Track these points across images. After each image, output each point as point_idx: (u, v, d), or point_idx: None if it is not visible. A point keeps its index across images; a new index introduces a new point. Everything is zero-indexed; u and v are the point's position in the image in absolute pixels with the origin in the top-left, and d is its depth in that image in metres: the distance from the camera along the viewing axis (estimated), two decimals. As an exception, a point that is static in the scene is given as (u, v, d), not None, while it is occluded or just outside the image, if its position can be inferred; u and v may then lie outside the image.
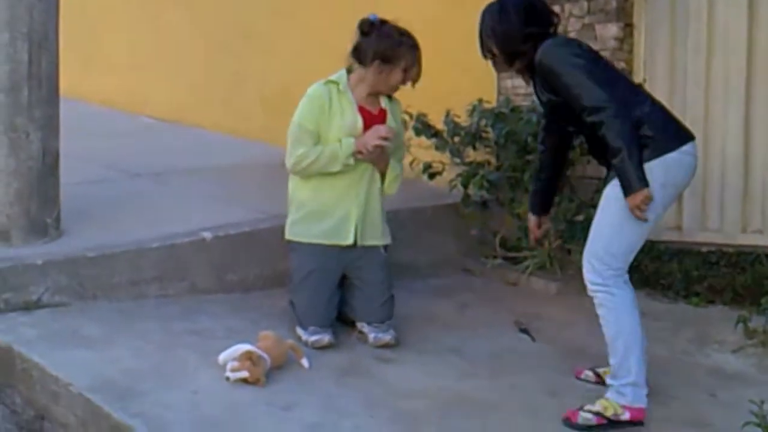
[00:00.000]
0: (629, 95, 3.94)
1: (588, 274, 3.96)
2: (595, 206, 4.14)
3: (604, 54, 5.91)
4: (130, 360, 4.24)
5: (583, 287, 4.02)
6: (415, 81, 4.91)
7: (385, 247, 4.97)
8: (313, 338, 4.58)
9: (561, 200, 5.79)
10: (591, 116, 3.82)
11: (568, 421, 3.91)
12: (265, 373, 4.11)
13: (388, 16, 7.20)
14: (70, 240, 5.18)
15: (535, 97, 4.27)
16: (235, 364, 4.07)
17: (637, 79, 5.81)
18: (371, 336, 4.68)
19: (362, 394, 4.11)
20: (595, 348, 3.98)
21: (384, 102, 4.92)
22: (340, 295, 4.86)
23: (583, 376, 4.37)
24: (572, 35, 6.08)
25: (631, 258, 3.97)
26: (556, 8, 6.05)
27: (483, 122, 6.10)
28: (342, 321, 4.85)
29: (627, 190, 3.80)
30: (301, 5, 8.15)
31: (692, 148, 3.98)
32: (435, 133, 6.16)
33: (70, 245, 5.08)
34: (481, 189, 6.01)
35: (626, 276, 3.99)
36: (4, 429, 4.03)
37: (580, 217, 5.66)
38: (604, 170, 4.16)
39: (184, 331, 4.64)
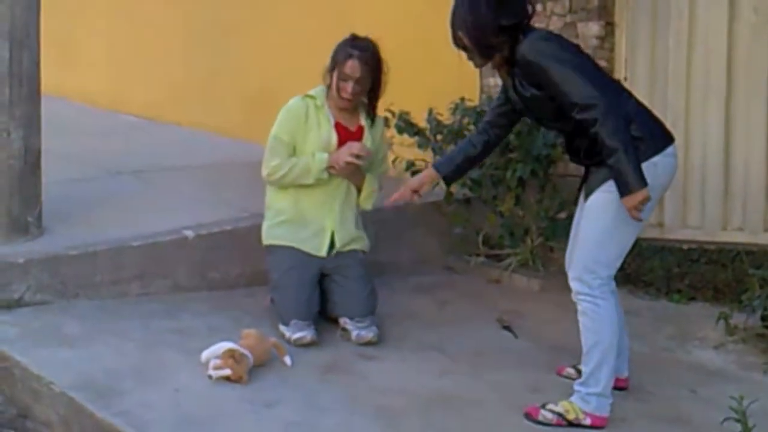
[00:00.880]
0: (615, 93, 3.90)
1: (574, 283, 3.94)
2: (577, 204, 4.16)
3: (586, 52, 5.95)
4: (112, 358, 4.23)
5: (566, 285, 4.02)
6: (374, 96, 4.96)
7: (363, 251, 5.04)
8: (296, 335, 4.59)
9: (542, 198, 5.81)
10: (582, 113, 3.75)
11: (528, 416, 3.94)
12: (248, 370, 4.11)
13: (372, 14, 7.25)
14: (51, 238, 5.16)
15: (511, 93, 4.09)
16: (218, 362, 4.07)
17: (618, 77, 5.83)
18: (354, 333, 4.69)
19: (344, 392, 4.12)
20: (577, 345, 3.99)
21: (363, 119, 4.96)
22: (320, 293, 4.88)
23: (565, 373, 4.38)
24: (554, 33, 6.10)
25: (619, 264, 3.98)
26: (539, 7, 6.11)
27: (465, 120, 6.09)
28: (325, 318, 4.85)
29: (624, 190, 3.73)
30: (282, 2, 8.14)
31: (674, 149, 3.98)
32: (417, 131, 6.16)
33: (52, 243, 5.06)
34: (463, 187, 6.01)
35: (613, 284, 3.99)
36: (-14, 428, 4.02)
37: (562, 215, 5.68)
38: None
39: (166, 329, 4.63)
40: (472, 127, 6.04)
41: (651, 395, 4.24)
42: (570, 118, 3.83)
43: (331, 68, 4.85)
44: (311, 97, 4.91)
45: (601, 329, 3.91)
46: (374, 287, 4.94)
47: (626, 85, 5.76)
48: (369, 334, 4.68)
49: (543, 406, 3.94)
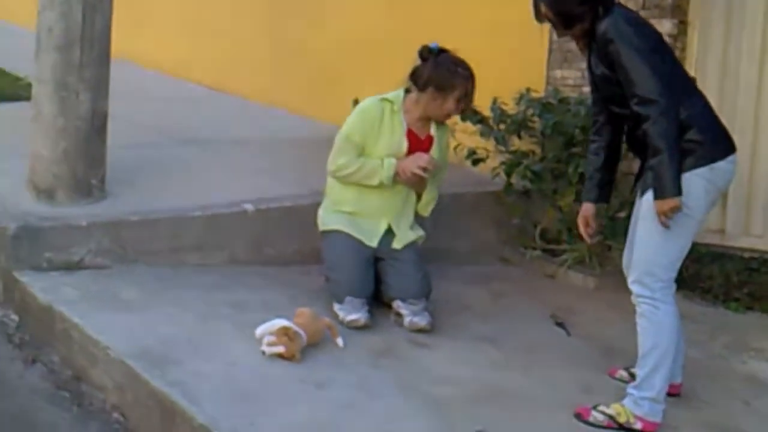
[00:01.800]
0: (683, 93, 3.86)
1: (634, 286, 3.92)
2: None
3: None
4: (168, 327, 4.28)
5: (621, 284, 4.01)
6: (464, 111, 5.06)
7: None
8: (350, 317, 4.60)
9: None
10: (639, 106, 3.75)
11: (578, 416, 3.92)
12: (301, 349, 4.14)
13: (440, 2, 7.22)
14: (113, 202, 5.23)
15: (586, 70, 4.12)
16: (272, 338, 4.09)
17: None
18: (407, 320, 4.70)
19: (395, 377, 4.13)
20: (630, 347, 3.97)
21: (433, 128, 4.98)
22: (375, 277, 4.89)
23: (617, 376, 4.36)
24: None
25: (679, 265, 3.94)
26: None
27: (530, 111, 6.06)
28: (379, 303, 4.86)
29: (658, 193, 3.74)
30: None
31: (734, 158, 3.94)
32: (481, 120, 6.14)
33: (114, 208, 5.13)
34: (524, 179, 5.98)
35: (674, 287, 3.96)
36: (41, 388, 4.07)
37: (622, 214, 5.62)
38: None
39: (222, 302, 4.67)
40: (536, 118, 6.02)
41: (703, 404, 4.21)
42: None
43: (435, 85, 4.82)
44: (389, 101, 4.92)
45: (659, 333, 3.88)
46: (428, 272, 4.94)
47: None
48: (422, 322, 4.69)
49: (594, 408, 3.92)
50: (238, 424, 3.54)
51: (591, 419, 3.89)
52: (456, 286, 5.41)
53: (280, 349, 4.07)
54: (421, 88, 4.85)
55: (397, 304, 4.78)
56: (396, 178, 4.84)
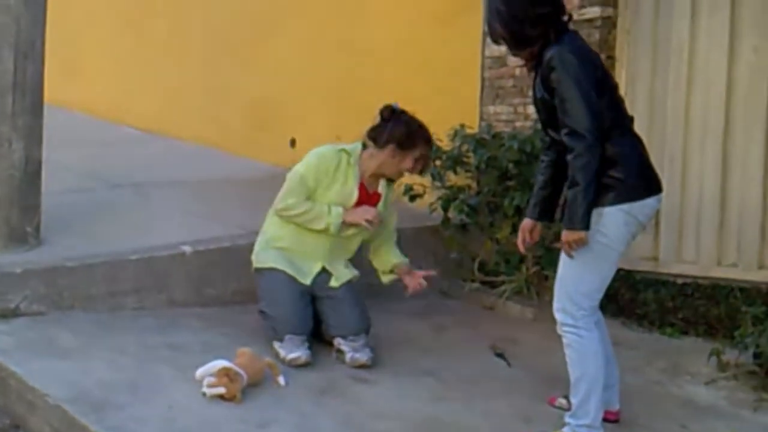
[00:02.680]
0: (615, 129, 3.93)
1: (558, 314, 3.99)
2: None
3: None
4: (107, 372, 4.24)
5: (558, 314, 4.05)
6: (422, 172, 5.16)
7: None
8: (291, 356, 4.60)
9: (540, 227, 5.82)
10: (567, 137, 3.83)
11: None
12: (242, 389, 4.12)
13: (375, 38, 7.31)
14: (49, 249, 5.18)
15: (531, 91, 4.17)
16: (212, 379, 4.08)
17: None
18: (348, 356, 4.71)
19: (338, 414, 4.13)
20: (569, 375, 4.02)
21: (382, 186, 5.06)
22: (313, 313, 4.90)
23: (557, 404, 4.40)
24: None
25: (600, 296, 4.02)
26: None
27: (464, 147, 6.14)
28: (320, 340, 4.87)
29: (567, 224, 3.84)
30: (284, 18, 8.18)
31: (657, 202, 4.03)
32: (417, 156, 6.18)
33: (50, 254, 5.08)
34: (460, 213, 6.06)
35: (597, 314, 4.04)
36: (-22, 437, 4.02)
37: (558, 245, 5.69)
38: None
39: (161, 344, 4.64)
40: (471, 154, 6.09)
41: (642, 429, 4.26)
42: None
43: (389, 141, 4.92)
44: (347, 152, 4.99)
45: (585, 361, 3.95)
46: (365, 308, 4.97)
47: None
48: (363, 357, 4.70)
49: (535, 437, 3.96)
50: (180, 467, 3.52)
51: (533, 448, 3.93)
52: (397, 321, 5.44)
53: (221, 390, 4.06)
54: (381, 146, 4.94)
55: (338, 342, 4.79)
56: (343, 225, 4.91)
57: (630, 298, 5.74)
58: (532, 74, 4.12)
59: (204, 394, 4.06)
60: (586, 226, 3.81)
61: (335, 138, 7.21)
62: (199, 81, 8.82)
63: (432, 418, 4.19)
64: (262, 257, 4.99)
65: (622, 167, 3.89)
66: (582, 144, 3.79)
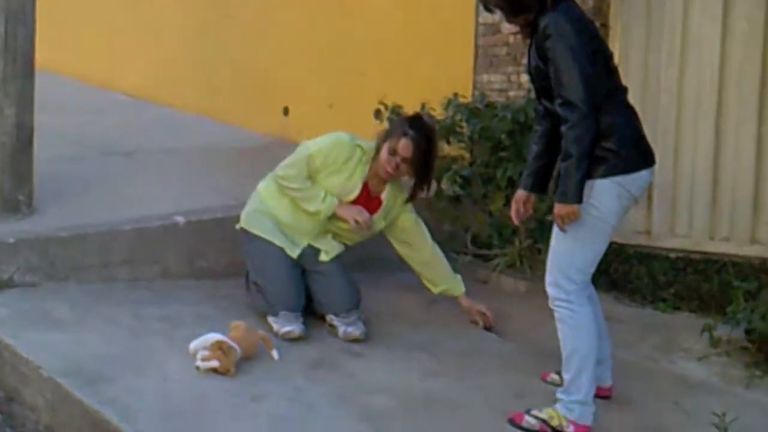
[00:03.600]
0: (609, 100, 3.91)
1: (550, 288, 3.99)
2: None
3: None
4: (100, 344, 4.24)
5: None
6: (421, 180, 4.96)
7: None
8: (285, 329, 4.60)
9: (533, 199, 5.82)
10: (561, 108, 3.81)
11: (512, 422, 3.97)
12: (236, 363, 4.13)
13: (370, 5, 7.25)
14: (42, 218, 5.17)
15: (525, 59, 4.13)
16: (206, 353, 4.08)
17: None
18: (341, 330, 4.72)
19: (330, 388, 4.14)
20: (561, 350, 4.03)
21: (386, 194, 4.99)
22: (305, 288, 4.90)
23: (549, 379, 4.41)
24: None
25: (593, 269, 4.01)
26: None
27: (458, 117, 6.11)
28: (312, 314, 4.87)
29: (560, 197, 3.83)
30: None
31: (650, 174, 4.02)
32: (410, 126, 6.16)
33: (43, 224, 5.07)
34: (453, 184, 6.04)
35: (590, 289, 4.05)
36: (-28, 410, 4.02)
37: (551, 217, 5.69)
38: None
39: (155, 317, 4.64)
40: (464, 124, 6.07)
41: (634, 405, 4.27)
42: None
43: (384, 137, 4.87)
44: (362, 149, 4.92)
45: (578, 336, 3.95)
46: (355, 281, 4.96)
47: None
48: (356, 332, 4.71)
49: (527, 412, 3.97)
50: (173, 440, 3.53)
51: (524, 424, 3.94)
52: (389, 294, 5.44)
53: (215, 363, 4.06)
54: (381, 143, 4.88)
55: (330, 318, 4.80)
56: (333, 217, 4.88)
57: (623, 272, 5.75)
58: (527, 42, 4.09)
59: (197, 368, 4.07)
60: (579, 200, 3.80)
61: (328, 107, 7.24)
62: (193, 48, 8.76)
63: (424, 393, 4.20)
64: (252, 220, 4.95)
65: (616, 139, 3.87)
66: (576, 114, 3.77)
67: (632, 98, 4.23)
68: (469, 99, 6.37)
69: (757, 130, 5.74)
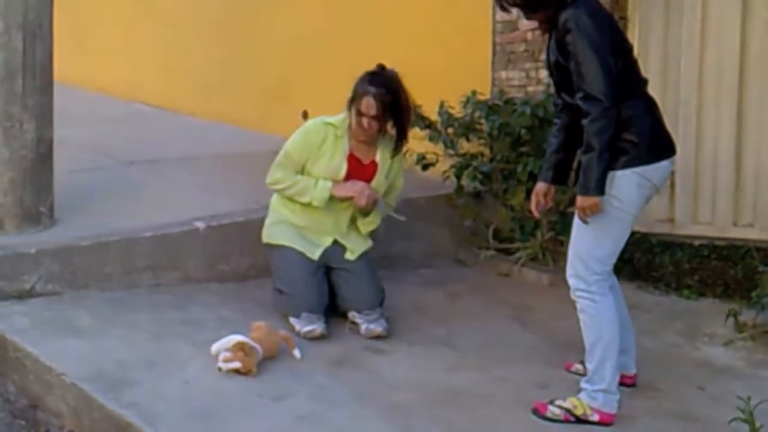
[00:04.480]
0: (629, 92, 3.90)
1: (572, 279, 3.98)
2: None
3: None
4: (123, 350, 4.25)
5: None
6: (399, 130, 4.93)
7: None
8: (306, 328, 4.61)
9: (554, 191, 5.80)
10: (583, 101, 3.81)
11: (536, 412, 3.96)
12: (257, 363, 4.13)
13: (387, 7, 7.25)
14: (63, 229, 5.19)
15: (544, 54, 4.13)
16: (228, 354, 4.09)
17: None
18: (363, 327, 4.71)
19: (353, 386, 4.13)
20: (584, 341, 4.01)
21: (379, 154, 4.97)
22: (328, 286, 4.91)
23: (573, 369, 4.39)
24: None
25: (614, 260, 4.00)
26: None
27: (477, 114, 6.11)
28: (335, 312, 4.87)
29: (582, 189, 3.83)
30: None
31: (670, 164, 4.01)
32: (429, 124, 6.17)
33: (64, 234, 5.09)
34: (474, 180, 6.04)
35: (612, 279, 4.03)
36: (-2, 418, 4.05)
37: (572, 210, 5.67)
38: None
39: (177, 320, 4.66)
40: (483, 120, 6.06)
41: (659, 392, 4.25)
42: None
43: (351, 101, 4.87)
44: (333, 125, 4.93)
45: (600, 326, 3.94)
46: (379, 279, 4.97)
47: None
48: (378, 328, 4.70)
49: (551, 402, 3.96)
50: (196, 442, 3.54)
51: (548, 414, 3.93)
52: (412, 290, 5.44)
53: (237, 364, 4.07)
54: (348, 108, 4.88)
55: (353, 314, 4.80)
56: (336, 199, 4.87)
57: (646, 261, 5.71)
58: (545, 37, 4.10)
59: (220, 369, 4.07)
60: (601, 191, 3.80)
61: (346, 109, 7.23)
62: (211, 56, 8.79)
63: (448, 387, 4.20)
64: (271, 232, 5.00)
65: (636, 130, 3.86)
66: (598, 108, 3.76)
67: (652, 88, 4.21)
68: (488, 96, 6.36)
69: (779, 116, 5.68)
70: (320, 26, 7.82)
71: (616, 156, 3.83)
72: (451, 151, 6.13)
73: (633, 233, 5.79)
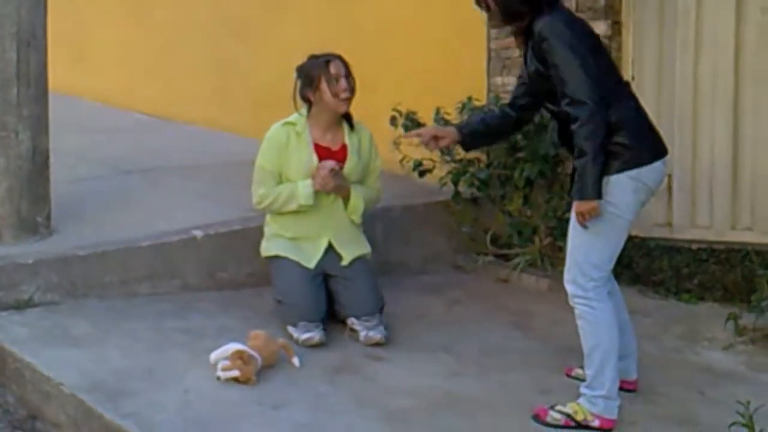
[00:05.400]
0: (614, 95, 3.90)
1: (569, 285, 3.97)
2: None
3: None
4: (121, 359, 4.25)
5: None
6: (350, 89, 4.95)
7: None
8: (304, 336, 4.60)
9: (551, 197, 5.80)
10: (569, 107, 3.80)
11: (537, 418, 3.95)
12: (256, 372, 4.13)
13: (381, 13, 7.26)
14: (61, 238, 5.19)
15: (522, 67, 4.15)
16: (226, 363, 4.08)
17: (626, 77, 5.84)
18: (362, 334, 4.70)
19: (353, 393, 4.12)
20: (582, 346, 4.00)
21: (347, 137, 4.98)
22: (327, 295, 4.90)
23: (573, 374, 4.38)
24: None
25: (612, 265, 3.99)
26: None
27: (473, 120, 6.09)
28: (333, 319, 4.86)
29: (579, 194, 3.81)
30: (293, 1, 8.14)
31: (664, 165, 4.00)
32: (425, 131, 6.15)
33: (61, 244, 5.09)
34: (471, 186, 6.03)
35: (611, 284, 4.03)
36: (-3, 429, 4.04)
37: (568, 215, 5.68)
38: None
39: (175, 329, 4.65)
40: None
41: (660, 397, 4.24)
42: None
43: (310, 85, 4.90)
44: (291, 123, 4.96)
45: (598, 332, 3.93)
46: (379, 286, 4.96)
47: (633, 85, 5.78)
48: (377, 335, 4.69)
49: (551, 408, 3.94)
50: (196, 451, 3.53)
51: (549, 419, 3.92)
52: (410, 297, 5.43)
53: (235, 373, 4.06)
54: (314, 94, 4.90)
55: (351, 321, 4.79)
56: (318, 189, 4.83)
57: (645, 266, 5.70)
58: (522, 50, 4.10)
59: (218, 378, 4.07)
60: (599, 195, 3.78)
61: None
62: (207, 64, 8.79)
63: (447, 393, 4.19)
64: (267, 246, 5.02)
65: (626, 132, 3.85)
66: (585, 111, 3.76)
67: (648, 91, 4.22)
68: (484, 102, 6.35)
69: (775, 116, 5.68)
70: (315, 33, 7.81)
71: (609, 160, 3.82)
72: (448, 158, 6.11)
73: (631, 237, 5.80)
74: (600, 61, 3.93)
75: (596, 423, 3.89)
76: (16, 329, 4.47)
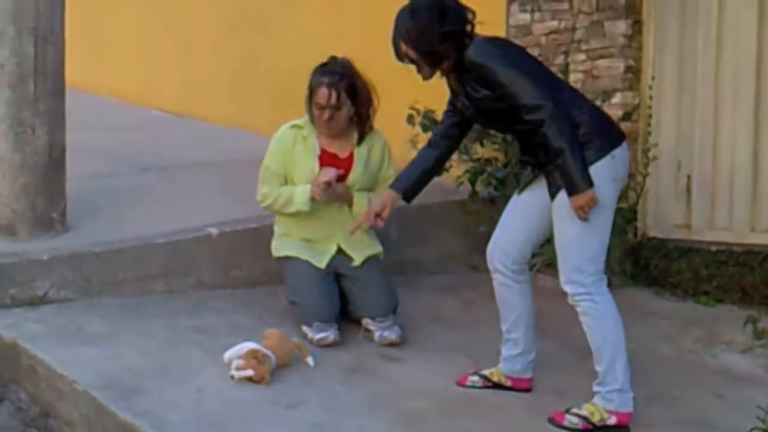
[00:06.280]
0: (565, 96, 3.94)
1: (567, 286, 3.96)
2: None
3: (613, 51, 5.91)
4: (135, 357, 4.23)
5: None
6: (361, 115, 4.90)
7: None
8: (319, 336, 4.57)
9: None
10: (530, 114, 3.80)
11: (553, 422, 3.93)
12: (270, 371, 4.11)
13: (396, 8, 7.20)
14: (76, 235, 5.18)
15: (461, 100, 4.11)
16: (240, 362, 4.06)
17: (646, 77, 5.82)
18: (376, 334, 4.68)
19: (367, 394, 4.10)
20: (590, 344, 3.97)
21: (356, 144, 4.94)
22: (341, 294, 4.88)
23: (468, 383, 4.33)
24: (580, 32, 6.08)
25: (604, 257, 3.97)
26: (566, 5, 6.07)
27: (490, 118, 6.06)
28: (348, 319, 4.84)
29: (571, 190, 3.79)
30: (311, -2, 8.14)
31: (626, 149, 4.02)
32: (441, 130, 6.13)
33: (76, 240, 5.08)
34: (488, 186, 6.00)
35: (605, 278, 4.01)
36: (10, 426, 4.02)
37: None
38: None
39: (190, 327, 4.63)
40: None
41: (677, 400, 4.21)
42: (521, 118, 3.86)
43: (308, 98, 4.87)
44: (298, 126, 4.94)
45: (604, 326, 3.92)
46: (392, 286, 4.93)
47: (654, 85, 5.75)
48: (392, 335, 4.67)
49: (567, 411, 3.91)
50: (209, 450, 3.51)
51: (566, 423, 3.89)
52: (426, 296, 5.40)
53: (249, 372, 4.04)
54: (307, 105, 4.89)
55: (366, 321, 4.77)
56: (315, 199, 4.78)
57: (663, 267, 5.65)
58: (459, 87, 4.10)
59: (232, 377, 4.05)
60: (590, 183, 3.78)
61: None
62: (225, 61, 8.77)
63: (462, 394, 4.17)
64: (277, 246, 5.00)
65: (589, 123, 3.88)
66: (546, 111, 3.77)
67: (668, 91, 4.17)
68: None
69: (796, 118, 5.62)
70: (332, 32, 7.79)
71: (584, 152, 3.84)
72: (465, 157, 6.08)
73: (649, 239, 5.78)
74: (540, 68, 4.03)
75: (613, 420, 3.87)
76: (30, 326, 4.46)
